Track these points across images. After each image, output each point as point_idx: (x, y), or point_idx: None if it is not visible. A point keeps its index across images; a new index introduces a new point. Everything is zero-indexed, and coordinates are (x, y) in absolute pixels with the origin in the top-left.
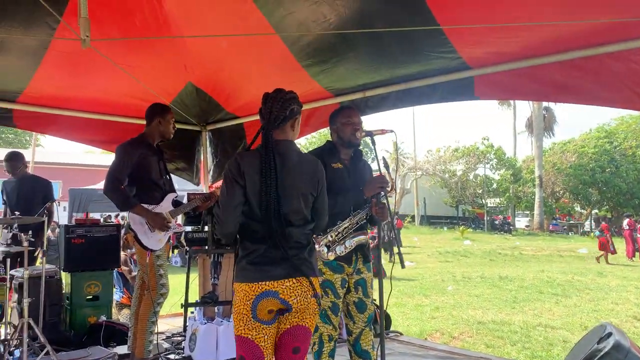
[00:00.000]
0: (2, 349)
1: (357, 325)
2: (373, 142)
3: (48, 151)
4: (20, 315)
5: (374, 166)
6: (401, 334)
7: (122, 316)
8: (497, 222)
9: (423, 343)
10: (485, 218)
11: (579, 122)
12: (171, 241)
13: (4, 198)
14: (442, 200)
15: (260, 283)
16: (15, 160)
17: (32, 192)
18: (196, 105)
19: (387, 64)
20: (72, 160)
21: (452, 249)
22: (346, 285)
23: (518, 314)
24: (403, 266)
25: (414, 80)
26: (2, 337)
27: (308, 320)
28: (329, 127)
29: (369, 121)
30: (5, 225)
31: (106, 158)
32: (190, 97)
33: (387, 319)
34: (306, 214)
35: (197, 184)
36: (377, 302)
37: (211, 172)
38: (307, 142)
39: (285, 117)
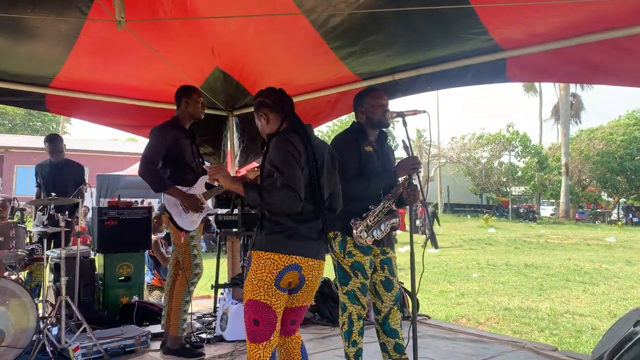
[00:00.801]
0: (41, 326)
1: (385, 304)
2: (404, 123)
3: (74, 138)
4: (57, 294)
5: (399, 151)
6: (429, 317)
7: (152, 297)
8: (521, 211)
9: (451, 326)
10: (509, 206)
11: (607, 109)
12: None
13: (39, 180)
14: (466, 188)
15: (291, 256)
16: (58, 141)
17: (68, 175)
18: (223, 91)
19: (417, 46)
20: (97, 147)
21: (476, 237)
22: (373, 266)
23: (545, 302)
24: (436, 247)
25: (444, 62)
26: (41, 315)
27: (310, 300)
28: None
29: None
30: (40, 207)
31: (131, 145)
32: (217, 82)
33: (412, 302)
34: (327, 194)
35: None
36: (404, 285)
37: (238, 157)
38: (329, 129)
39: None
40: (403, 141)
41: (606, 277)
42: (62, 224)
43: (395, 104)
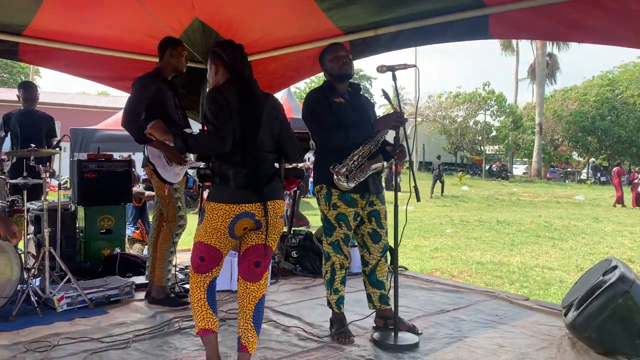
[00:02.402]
0: (26, 275)
1: (372, 255)
2: (394, 77)
3: (44, 92)
4: (39, 245)
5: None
6: (406, 268)
7: (133, 250)
8: (494, 169)
9: (428, 278)
10: (483, 165)
11: (582, 69)
12: None
13: (6, 129)
14: (441, 146)
15: (241, 205)
16: (34, 89)
17: (40, 125)
18: (202, 43)
19: (400, 0)
20: (67, 101)
21: (450, 194)
22: (359, 218)
23: (516, 256)
24: (418, 199)
25: (426, 17)
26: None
27: (272, 240)
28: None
29: (367, 63)
30: (11, 158)
31: (102, 100)
32: (196, 33)
33: (392, 254)
34: (272, 143)
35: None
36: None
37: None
38: (306, 85)
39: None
40: (382, 90)
41: (574, 233)
42: (44, 175)
43: (377, 60)
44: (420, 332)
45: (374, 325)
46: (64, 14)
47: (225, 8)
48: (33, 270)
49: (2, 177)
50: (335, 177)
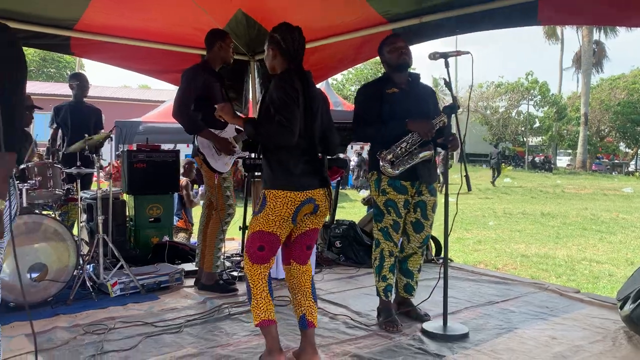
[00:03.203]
0: (82, 261)
1: (411, 244)
2: (447, 64)
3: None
4: (91, 233)
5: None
6: (452, 260)
7: (177, 239)
8: (537, 161)
9: (474, 269)
10: (526, 156)
11: (631, 57)
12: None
13: (58, 121)
14: (482, 137)
15: (306, 192)
16: (85, 80)
17: (88, 117)
18: (245, 34)
19: None
20: (110, 94)
21: (491, 186)
22: (409, 207)
23: (562, 249)
24: (469, 188)
25: (474, 4)
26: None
27: (321, 223)
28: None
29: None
30: (64, 148)
31: (144, 93)
32: (240, 25)
33: (438, 246)
34: (319, 134)
35: (246, 114)
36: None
37: (259, 104)
38: (343, 77)
39: (304, 51)
40: (444, 79)
41: (623, 226)
42: (98, 164)
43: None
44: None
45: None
46: (113, 8)
47: (267, 0)
48: (88, 256)
49: (58, 166)
50: (380, 162)
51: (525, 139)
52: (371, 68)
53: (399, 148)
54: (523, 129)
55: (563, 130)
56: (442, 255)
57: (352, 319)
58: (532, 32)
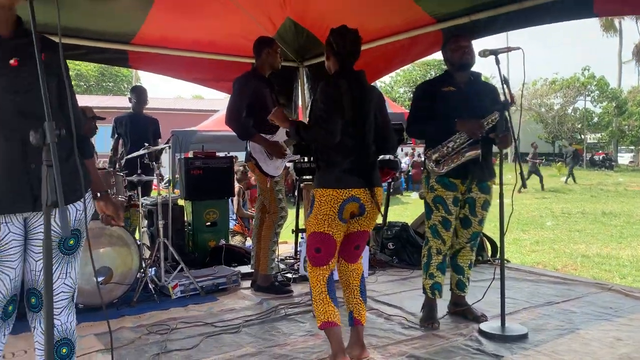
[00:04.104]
0: (144, 265)
1: (458, 240)
2: (497, 61)
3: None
4: (152, 238)
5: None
6: (508, 261)
7: (233, 242)
8: (597, 158)
9: (532, 269)
10: (584, 154)
11: None
12: None
13: (119, 131)
14: (537, 135)
15: (348, 190)
16: (144, 93)
17: (147, 127)
18: (294, 41)
19: None
20: (165, 105)
21: (548, 186)
22: (459, 203)
23: (626, 249)
24: (524, 185)
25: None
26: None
27: (372, 225)
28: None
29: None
30: (120, 155)
31: (197, 103)
32: (289, 33)
33: (494, 247)
34: (374, 133)
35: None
36: (484, 231)
37: (309, 108)
38: (391, 79)
39: (358, 52)
40: (503, 76)
41: None
42: (157, 171)
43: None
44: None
45: (447, 310)
46: (167, 21)
47: (315, 6)
48: (149, 260)
49: (121, 174)
50: (426, 161)
51: (583, 136)
52: (420, 69)
53: (445, 147)
54: (580, 125)
55: (624, 125)
56: (499, 255)
57: (407, 320)
58: (587, 25)
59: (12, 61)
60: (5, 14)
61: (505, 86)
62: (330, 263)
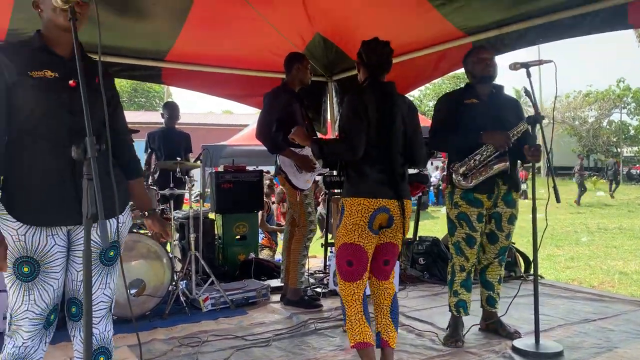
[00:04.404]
0: (175, 278)
1: (486, 255)
2: (528, 74)
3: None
4: (184, 251)
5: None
6: (542, 277)
7: (261, 255)
8: (634, 172)
9: (567, 286)
10: (620, 168)
11: None
12: None
13: (152, 146)
14: (571, 149)
15: (379, 199)
16: (177, 109)
17: (179, 142)
18: (323, 57)
19: None
20: (196, 120)
21: (583, 200)
22: (483, 219)
23: None
24: (558, 200)
25: (556, 12)
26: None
27: (399, 238)
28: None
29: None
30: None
31: (227, 118)
32: (318, 48)
33: (527, 262)
34: (402, 145)
35: (325, 134)
36: (516, 246)
37: (337, 122)
38: (420, 93)
39: (389, 64)
40: (524, 88)
41: None
42: (189, 185)
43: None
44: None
45: (479, 327)
46: (199, 38)
47: (344, 21)
48: (181, 273)
49: (153, 187)
50: (453, 175)
51: (619, 150)
52: (450, 82)
53: (472, 160)
54: (616, 139)
55: None
56: (532, 271)
57: (438, 336)
58: (621, 37)
59: (70, 82)
60: (67, 37)
61: (529, 98)
62: (363, 277)
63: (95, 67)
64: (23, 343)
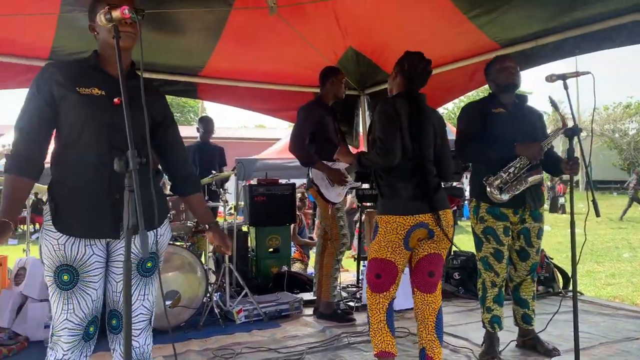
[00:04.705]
0: (210, 289)
1: (518, 273)
2: (565, 86)
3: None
4: (217, 263)
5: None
6: (582, 293)
7: (293, 269)
8: None
9: (609, 303)
10: None
11: None
12: None
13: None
14: (612, 162)
15: (415, 216)
16: (211, 123)
17: (213, 156)
18: (356, 70)
19: (562, 7)
20: (230, 134)
21: (625, 216)
22: (510, 234)
23: None
24: (598, 214)
25: (594, 23)
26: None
27: (443, 249)
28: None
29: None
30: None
31: (260, 132)
32: (351, 62)
33: (566, 278)
34: (433, 156)
35: (357, 147)
36: (554, 261)
37: (368, 134)
38: (454, 106)
39: (425, 80)
40: (550, 97)
41: None
42: (224, 198)
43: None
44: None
45: (516, 343)
46: (233, 54)
47: (377, 35)
48: (215, 285)
49: None
50: (488, 189)
51: None
52: (485, 94)
53: (507, 173)
54: None
55: None
56: (571, 287)
57: (473, 353)
58: None
59: (115, 99)
60: (125, 57)
61: (555, 109)
62: (391, 289)
63: (145, 85)
64: (63, 355)
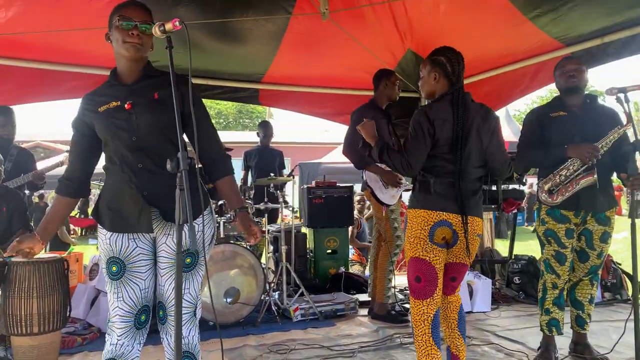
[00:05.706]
0: (267, 287)
1: (575, 273)
2: (626, 99)
3: (275, 131)
4: (276, 263)
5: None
6: None
7: (352, 270)
8: None
9: None
10: None
11: None
12: None
13: (248, 164)
14: None
15: (439, 212)
16: (270, 127)
17: (272, 159)
18: (415, 73)
19: (631, 1)
20: (296, 138)
21: None
22: (574, 235)
23: None
24: None
25: None
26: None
27: (469, 258)
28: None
29: (595, 76)
30: (250, 186)
31: (325, 136)
32: (410, 64)
33: (633, 284)
34: (480, 158)
35: None
36: (622, 267)
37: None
38: (527, 107)
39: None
40: (610, 91)
41: None
42: (281, 200)
43: (603, 70)
44: None
45: (569, 350)
46: (293, 60)
47: (437, 36)
48: (273, 284)
49: (249, 201)
50: (539, 192)
51: None
52: (556, 94)
53: (557, 176)
54: None
55: None
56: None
57: (528, 357)
58: None
59: (126, 105)
60: (133, 65)
61: (634, 128)
62: (434, 295)
63: (157, 81)
64: (117, 340)
